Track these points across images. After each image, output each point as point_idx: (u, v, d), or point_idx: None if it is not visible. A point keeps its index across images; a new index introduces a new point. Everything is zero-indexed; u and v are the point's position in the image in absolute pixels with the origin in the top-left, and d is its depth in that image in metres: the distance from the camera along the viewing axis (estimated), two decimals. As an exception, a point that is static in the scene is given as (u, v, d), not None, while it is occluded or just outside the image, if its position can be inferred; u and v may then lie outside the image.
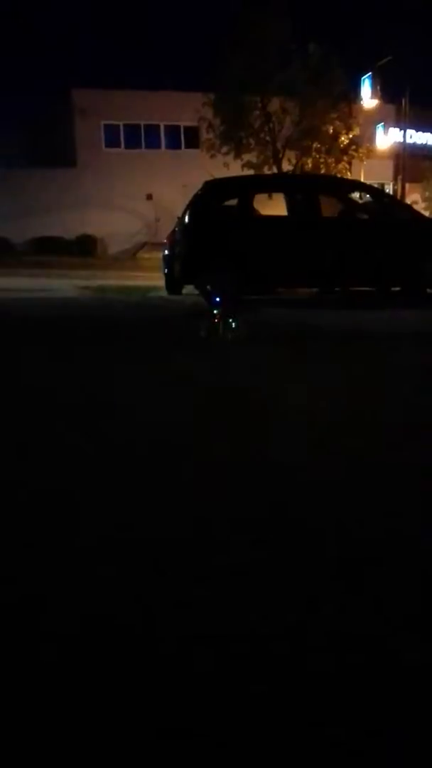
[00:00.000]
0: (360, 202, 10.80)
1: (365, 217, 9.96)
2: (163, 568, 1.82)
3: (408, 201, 21.94)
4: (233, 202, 9.69)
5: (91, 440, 2.99)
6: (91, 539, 2.01)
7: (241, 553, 1.91)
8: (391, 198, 17.21)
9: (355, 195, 10.81)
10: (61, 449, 2.87)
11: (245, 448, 2.87)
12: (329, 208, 9.74)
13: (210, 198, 9.55)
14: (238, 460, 2.72)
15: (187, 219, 9.43)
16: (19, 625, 1.58)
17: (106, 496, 2.37)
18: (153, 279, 13.01)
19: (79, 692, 1.34)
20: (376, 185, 16.16)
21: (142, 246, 27.46)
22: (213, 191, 9.63)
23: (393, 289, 9.74)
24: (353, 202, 10.14)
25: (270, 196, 10.88)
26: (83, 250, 25.91)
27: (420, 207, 24.61)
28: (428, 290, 9.29)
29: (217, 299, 8.82)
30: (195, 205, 9.47)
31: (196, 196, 9.62)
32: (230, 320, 5.96)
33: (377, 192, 11.40)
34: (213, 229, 9.23)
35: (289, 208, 9.68)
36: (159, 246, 16.95)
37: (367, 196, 10.89)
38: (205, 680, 1.37)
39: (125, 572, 1.81)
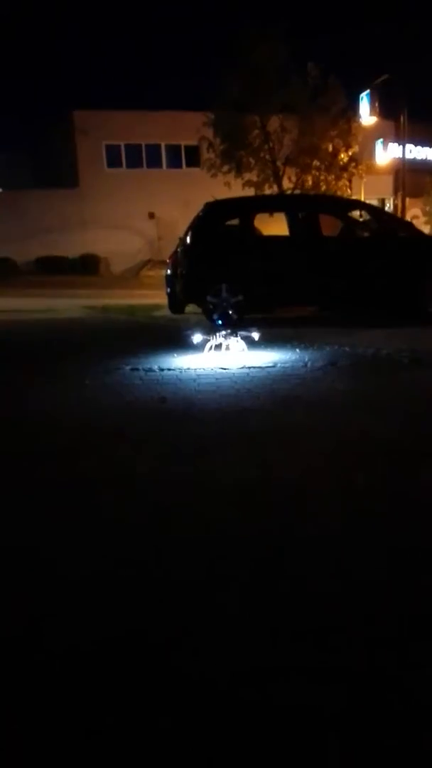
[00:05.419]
0: (360, 220, 10.89)
1: (365, 235, 10.02)
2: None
3: (408, 216, 22.09)
4: (234, 222, 9.81)
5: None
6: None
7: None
8: (391, 216, 17.33)
9: (356, 213, 10.90)
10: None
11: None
12: (329, 227, 9.84)
13: (211, 219, 9.64)
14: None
15: (188, 240, 9.54)
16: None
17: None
18: (156, 297, 13.11)
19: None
20: (376, 201, 16.32)
21: (146, 264, 27.70)
22: (213, 212, 9.72)
23: (394, 307, 9.79)
24: (353, 220, 10.22)
25: (271, 215, 11.00)
26: (87, 269, 26.13)
27: (420, 222, 24.78)
28: (429, 309, 9.32)
29: (219, 318, 8.97)
30: (196, 226, 9.57)
31: (197, 217, 9.73)
32: (233, 338, 6.13)
33: (377, 211, 11.52)
34: (214, 249, 9.32)
35: (290, 227, 9.80)
36: (162, 264, 17.11)
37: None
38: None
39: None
